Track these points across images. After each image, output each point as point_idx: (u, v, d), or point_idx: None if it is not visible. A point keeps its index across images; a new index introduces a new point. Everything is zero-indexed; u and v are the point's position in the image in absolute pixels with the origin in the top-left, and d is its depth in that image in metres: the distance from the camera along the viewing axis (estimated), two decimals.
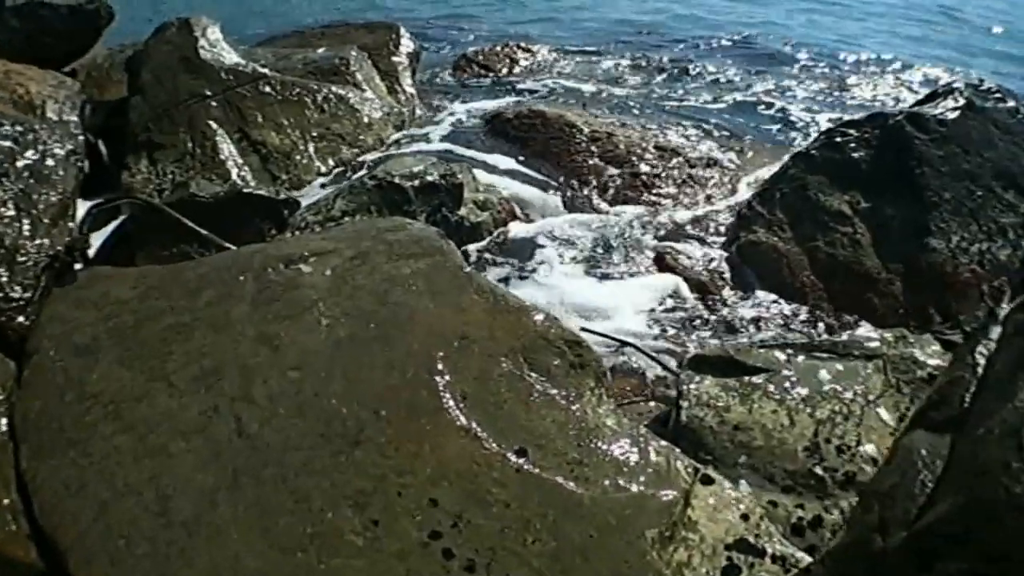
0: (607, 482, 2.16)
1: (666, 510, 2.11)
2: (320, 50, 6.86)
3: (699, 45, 9.75)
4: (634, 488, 2.16)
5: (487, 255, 4.69)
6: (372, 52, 7.19)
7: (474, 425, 2.27)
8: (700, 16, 11.58)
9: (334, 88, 5.93)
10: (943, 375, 1.86)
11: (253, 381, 2.43)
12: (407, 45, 7.77)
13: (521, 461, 2.18)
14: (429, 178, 4.75)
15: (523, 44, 9.40)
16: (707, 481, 2.25)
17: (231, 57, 5.85)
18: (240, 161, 5.08)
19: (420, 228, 3.39)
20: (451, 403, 2.33)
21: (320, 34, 8.35)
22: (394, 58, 7.46)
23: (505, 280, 4.38)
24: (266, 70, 5.81)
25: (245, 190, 4.51)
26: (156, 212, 4.29)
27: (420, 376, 2.41)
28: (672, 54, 9.30)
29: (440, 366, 2.45)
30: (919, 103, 5.10)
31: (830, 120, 6.91)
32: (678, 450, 2.36)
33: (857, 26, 11.03)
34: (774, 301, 4.11)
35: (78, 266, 3.21)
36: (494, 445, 2.21)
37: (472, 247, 4.75)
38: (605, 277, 4.39)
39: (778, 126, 6.98)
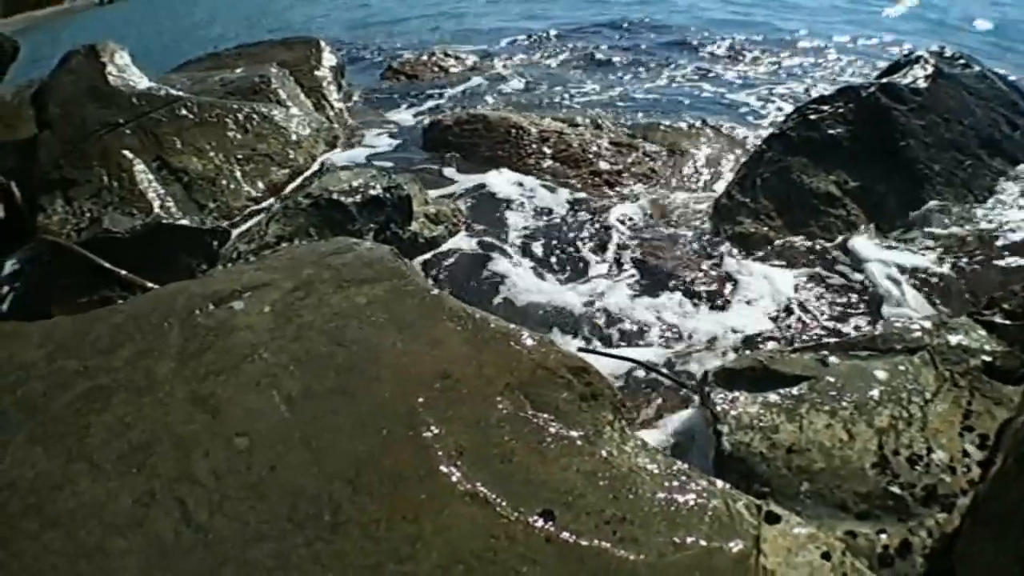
0: (661, 540, 1.71)
1: (740, 565, 1.68)
2: (238, 70, 6.46)
3: (631, 41, 9.50)
4: (695, 543, 1.71)
5: (444, 275, 4.15)
6: (293, 69, 6.86)
7: (480, 487, 1.79)
8: (626, 15, 11.35)
9: (256, 106, 5.41)
10: None
11: (192, 455, 1.95)
12: (329, 59, 7.43)
13: (549, 526, 1.71)
14: (372, 192, 4.26)
15: (449, 51, 9.01)
16: (773, 519, 1.83)
17: (142, 82, 5.37)
18: (162, 191, 4.52)
19: (370, 248, 2.93)
20: (446, 463, 1.85)
21: (236, 55, 7.91)
22: (317, 73, 7.09)
23: (472, 302, 3.77)
24: (181, 92, 5.28)
25: (164, 221, 4.01)
26: (66, 254, 3.81)
27: (400, 433, 1.94)
28: (605, 51, 9.04)
29: (423, 417, 1.98)
30: (886, 73, 4.85)
31: (783, 100, 6.66)
32: (728, 486, 1.92)
33: (790, 10, 10.93)
34: (779, 296, 3.67)
35: None
36: (511, 511, 1.74)
37: (425, 264, 4.26)
38: (585, 286, 3.88)
39: (729, 112, 6.68)
